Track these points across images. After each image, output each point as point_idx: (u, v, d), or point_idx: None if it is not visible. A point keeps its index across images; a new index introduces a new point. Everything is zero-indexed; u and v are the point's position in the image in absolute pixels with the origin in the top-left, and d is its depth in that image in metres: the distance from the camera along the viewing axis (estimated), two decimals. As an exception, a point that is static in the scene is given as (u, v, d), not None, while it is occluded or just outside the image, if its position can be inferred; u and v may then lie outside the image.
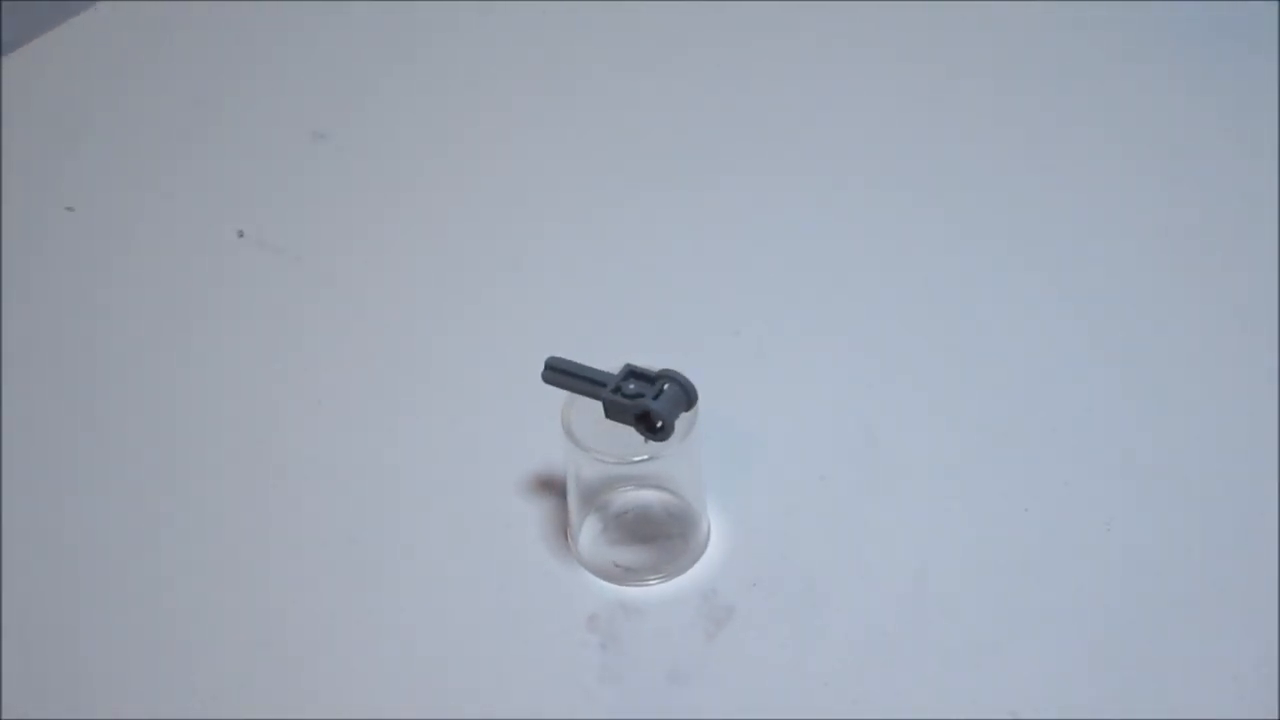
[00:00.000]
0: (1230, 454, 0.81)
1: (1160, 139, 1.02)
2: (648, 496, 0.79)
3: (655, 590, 0.76)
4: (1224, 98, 1.05)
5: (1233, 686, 0.71)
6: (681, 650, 0.74)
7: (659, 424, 0.72)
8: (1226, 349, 0.87)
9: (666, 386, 0.73)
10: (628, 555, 0.78)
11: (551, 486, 0.80)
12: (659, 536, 0.78)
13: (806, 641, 0.74)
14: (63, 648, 0.76)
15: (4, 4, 1.16)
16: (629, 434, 0.74)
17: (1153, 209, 0.96)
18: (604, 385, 0.73)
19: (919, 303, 0.91)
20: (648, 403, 0.72)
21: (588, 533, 0.78)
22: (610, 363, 0.75)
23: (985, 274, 0.93)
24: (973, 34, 1.12)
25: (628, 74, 1.11)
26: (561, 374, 0.75)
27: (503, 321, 0.91)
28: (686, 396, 0.73)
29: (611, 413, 0.73)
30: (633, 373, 0.74)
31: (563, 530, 0.79)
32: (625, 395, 0.73)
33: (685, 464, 0.76)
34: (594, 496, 0.79)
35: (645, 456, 0.74)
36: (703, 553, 0.78)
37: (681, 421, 0.74)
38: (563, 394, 0.75)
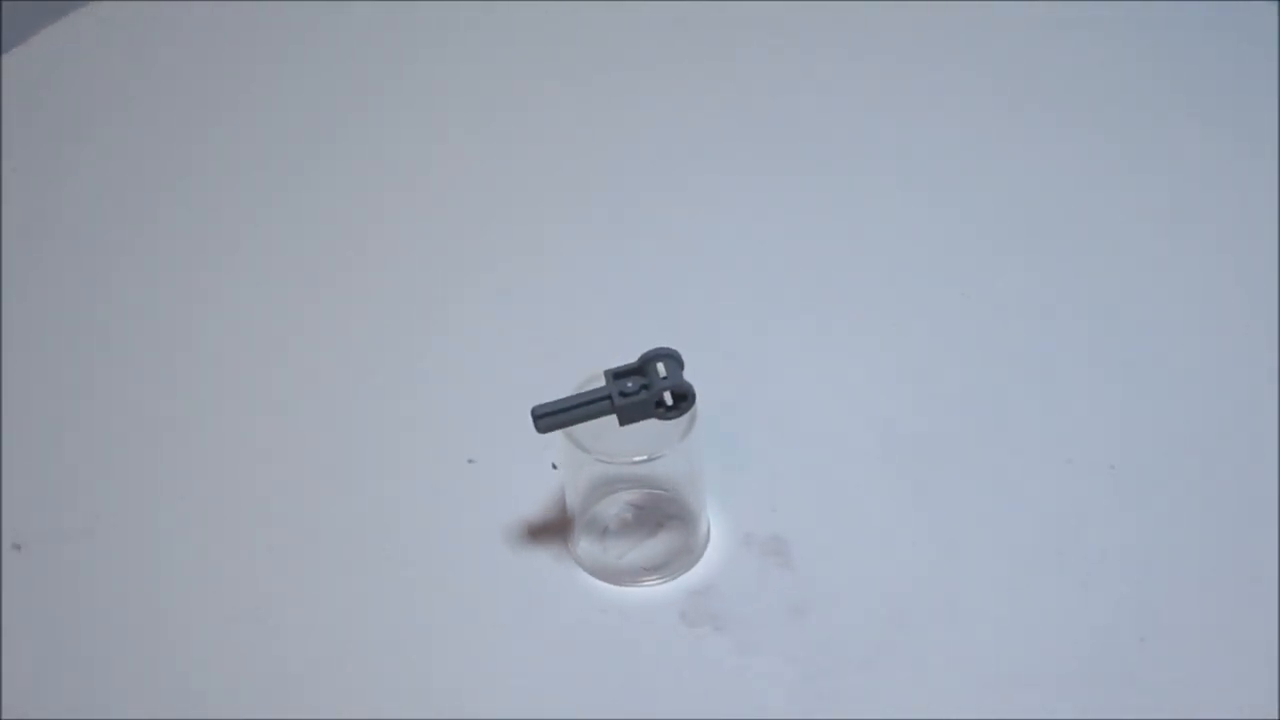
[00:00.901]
0: (1231, 450, 0.81)
1: (1160, 137, 1.02)
2: (647, 497, 0.79)
3: (696, 572, 0.77)
4: (1224, 98, 1.05)
5: (1232, 686, 0.71)
6: (781, 589, 0.75)
7: (682, 395, 0.72)
8: (1225, 346, 0.87)
9: (660, 364, 0.73)
10: (629, 557, 0.78)
11: (545, 495, 0.81)
12: (659, 537, 0.78)
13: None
14: (63, 649, 0.76)
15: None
16: (629, 434, 0.74)
17: (1151, 205, 0.97)
18: (607, 399, 0.73)
19: (917, 297, 0.91)
20: (661, 384, 0.72)
21: (588, 536, 0.78)
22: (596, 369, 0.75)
23: (985, 269, 0.93)
24: (974, 34, 1.12)
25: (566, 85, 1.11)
26: (557, 414, 0.73)
27: (477, 341, 0.91)
28: (677, 361, 0.73)
29: (628, 417, 0.73)
30: (617, 374, 0.74)
31: (561, 536, 0.79)
32: (632, 393, 0.73)
33: (684, 463, 0.76)
34: (594, 499, 0.79)
35: (645, 457, 0.74)
36: (703, 552, 0.78)
37: (679, 422, 0.74)
38: (560, 396, 0.74)
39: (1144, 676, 0.72)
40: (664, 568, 0.77)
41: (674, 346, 0.75)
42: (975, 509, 0.79)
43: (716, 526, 0.79)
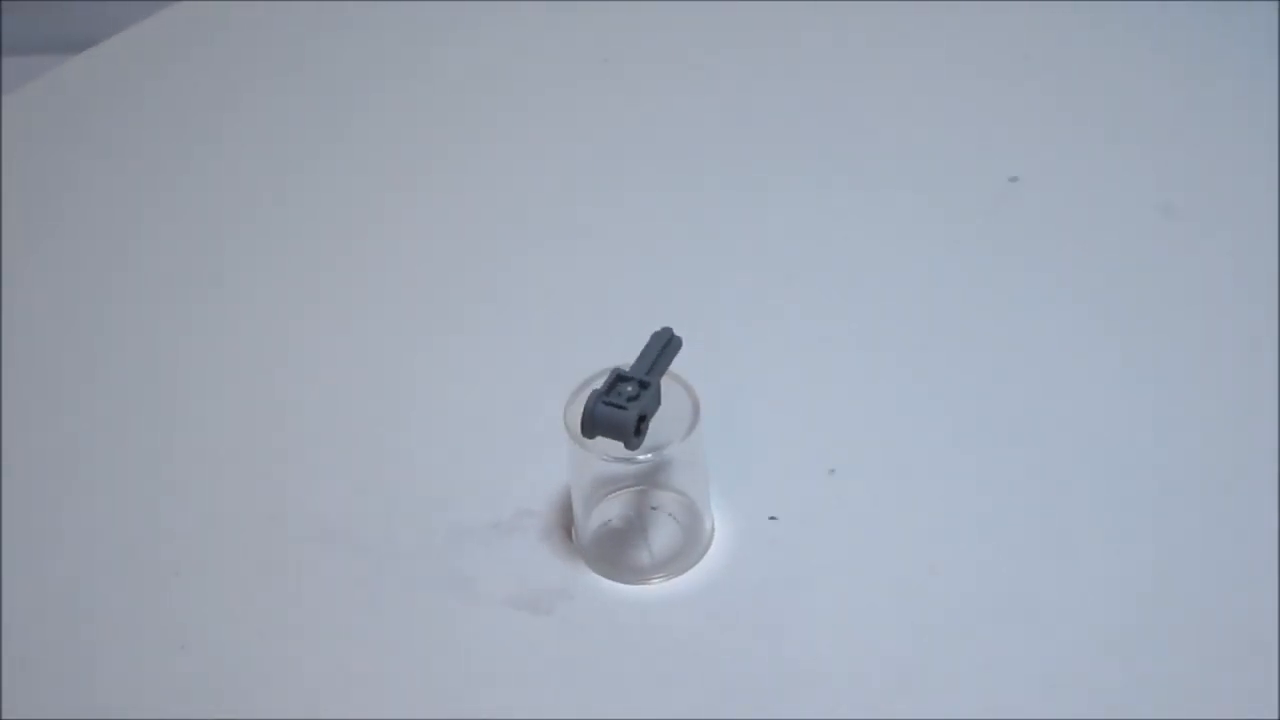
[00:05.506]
0: (1231, 452, 0.81)
1: (1159, 137, 1.02)
2: (652, 494, 0.79)
3: (701, 569, 0.77)
4: (1224, 98, 1.05)
5: (1233, 686, 0.71)
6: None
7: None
8: (1225, 347, 0.87)
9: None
10: (634, 554, 0.78)
11: (550, 492, 0.81)
12: (664, 534, 0.78)
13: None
14: (63, 649, 0.76)
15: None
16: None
17: (1152, 206, 0.97)
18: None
19: (921, 296, 0.92)
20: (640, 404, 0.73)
21: (592, 533, 0.78)
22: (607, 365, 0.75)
23: (986, 269, 0.93)
24: (973, 32, 1.12)
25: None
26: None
27: (482, 339, 0.91)
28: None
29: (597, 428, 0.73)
30: (620, 377, 0.74)
31: (566, 533, 0.79)
32: (617, 401, 0.73)
33: (688, 460, 0.76)
34: (598, 496, 0.79)
35: (649, 454, 0.74)
36: (707, 550, 0.78)
37: (684, 419, 0.74)
38: (562, 395, 0.75)
39: (1143, 676, 0.72)
40: (669, 565, 0.77)
41: (687, 346, 0.76)
42: (978, 503, 0.79)
43: (721, 523, 0.79)
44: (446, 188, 1.02)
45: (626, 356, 0.75)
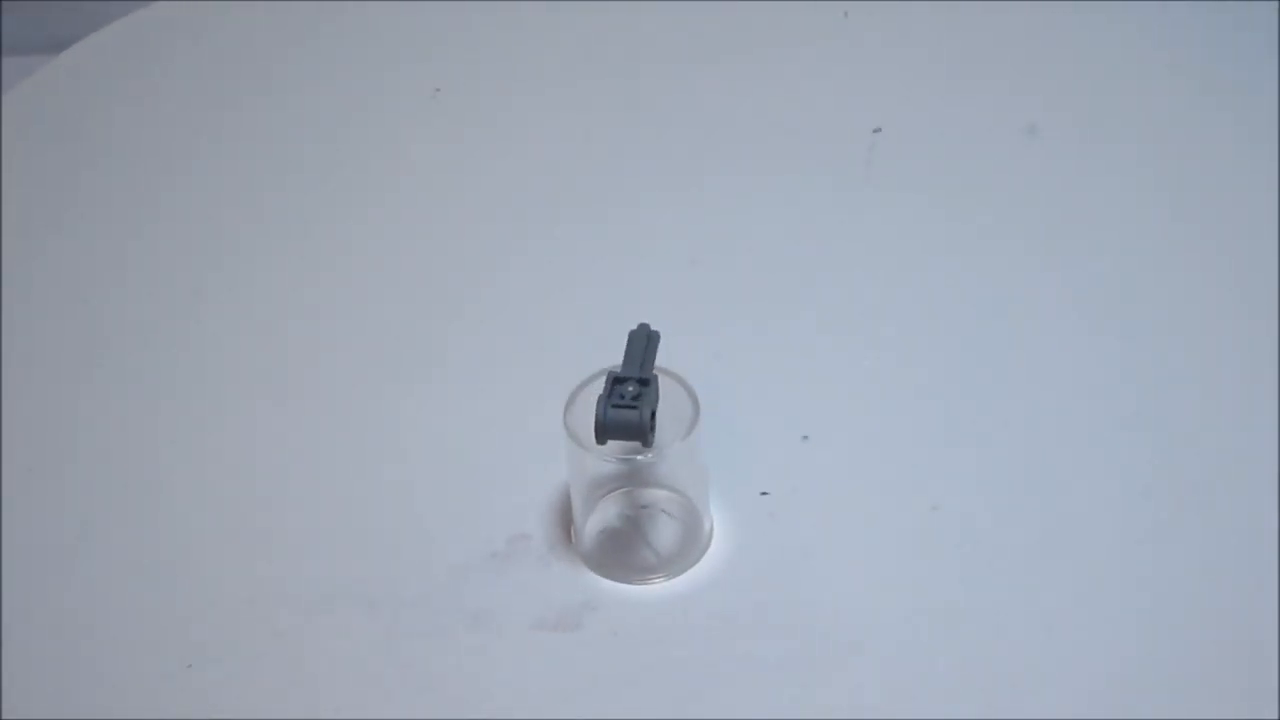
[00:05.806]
0: (1233, 449, 0.81)
1: (1161, 138, 1.02)
2: (650, 495, 0.79)
3: (700, 569, 0.77)
4: (1224, 98, 1.05)
5: (1233, 686, 0.71)
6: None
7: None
8: (1226, 349, 0.87)
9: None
10: (632, 554, 0.78)
11: (548, 492, 0.80)
12: (662, 534, 0.78)
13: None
14: (63, 651, 0.76)
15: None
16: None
17: (1153, 208, 0.97)
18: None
19: (920, 294, 0.91)
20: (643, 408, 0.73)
21: (591, 533, 0.78)
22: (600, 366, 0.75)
23: (985, 267, 0.93)
24: (969, 31, 1.12)
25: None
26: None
27: (479, 340, 0.90)
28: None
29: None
30: (616, 380, 0.74)
31: (565, 533, 0.79)
32: (624, 402, 0.73)
33: (687, 461, 0.76)
34: (597, 496, 0.79)
35: (648, 454, 0.74)
36: (706, 550, 0.78)
37: (683, 419, 0.74)
38: (562, 393, 0.75)
39: (1143, 676, 0.72)
40: (667, 565, 0.77)
41: (677, 346, 0.75)
42: (979, 503, 0.79)
43: (720, 523, 0.79)
44: (442, 190, 1.02)
45: (596, 360, 0.75)
